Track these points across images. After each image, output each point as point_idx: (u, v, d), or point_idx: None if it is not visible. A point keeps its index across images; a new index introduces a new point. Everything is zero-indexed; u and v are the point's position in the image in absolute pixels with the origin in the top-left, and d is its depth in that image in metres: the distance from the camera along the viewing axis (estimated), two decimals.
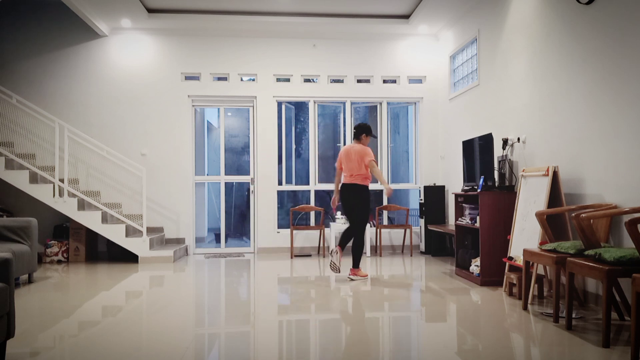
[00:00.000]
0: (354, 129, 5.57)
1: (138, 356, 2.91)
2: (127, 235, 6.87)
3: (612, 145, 4.02)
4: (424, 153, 8.19)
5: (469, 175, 5.88)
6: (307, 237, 7.89)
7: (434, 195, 7.63)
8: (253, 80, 8.07)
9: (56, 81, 7.63)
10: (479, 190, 5.15)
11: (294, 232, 7.75)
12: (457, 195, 5.89)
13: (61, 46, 7.66)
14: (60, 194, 6.87)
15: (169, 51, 7.84)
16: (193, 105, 7.98)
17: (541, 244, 4.09)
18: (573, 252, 3.55)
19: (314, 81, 8.13)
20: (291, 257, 7.31)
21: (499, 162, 5.61)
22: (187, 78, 7.92)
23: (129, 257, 7.27)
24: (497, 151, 5.87)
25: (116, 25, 7.58)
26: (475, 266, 5.15)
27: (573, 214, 3.40)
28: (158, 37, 7.83)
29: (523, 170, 4.85)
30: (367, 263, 6.71)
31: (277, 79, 8.04)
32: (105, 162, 7.63)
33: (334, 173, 7.87)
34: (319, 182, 8.23)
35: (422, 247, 7.68)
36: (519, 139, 5.49)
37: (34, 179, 6.84)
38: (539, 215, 4.01)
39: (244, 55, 7.94)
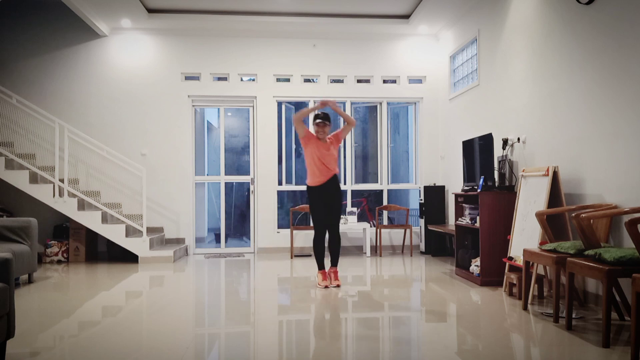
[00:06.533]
0: None
1: (138, 356, 2.91)
2: (127, 235, 6.87)
3: (612, 145, 4.02)
4: (424, 153, 8.19)
5: (469, 175, 5.88)
6: (307, 237, 7.89)
7: (434, 195, 7.62)
8: (253, 80, 8.06)
9: (56, 81, 7.63)
10: (479, 191, 5.15)
11: (294, 232, 7.74)
12: (457, 195, 5.89)
13: (61, 46, 7.66)
14: (60, 194, 6.87)
15: (169, 51, 7.84)
16: (193, 105, 7.98)
17: (541, 244, 4.09)
18: (573, 252, 3.55)
19: (314, 81, 8.12)
20: (291, 257, 7.31)
21: (499, 162, 5.61)
22: (187, 78, 7.91)
23: (129, 257, 7.26)
24: (497, 151, 5.87)
25: (116, 25, 7.58)
26: (475, 266, 5.15)
27: (573, 214, 3.40)
28: (158, 37, 7.83)
29: (523, 170, 4.85)
30: (367, 263, 6.71)
31: (277, 79, 8.04)
32: (105, 162, 7.63)
33: None
34: None
35: (422, 247, 7.68)
36: (519, 139, 5.49)
37: (34, 179, 6.84)
38: (539, 215, 4.01)
39: (244, 55, 7.94)
